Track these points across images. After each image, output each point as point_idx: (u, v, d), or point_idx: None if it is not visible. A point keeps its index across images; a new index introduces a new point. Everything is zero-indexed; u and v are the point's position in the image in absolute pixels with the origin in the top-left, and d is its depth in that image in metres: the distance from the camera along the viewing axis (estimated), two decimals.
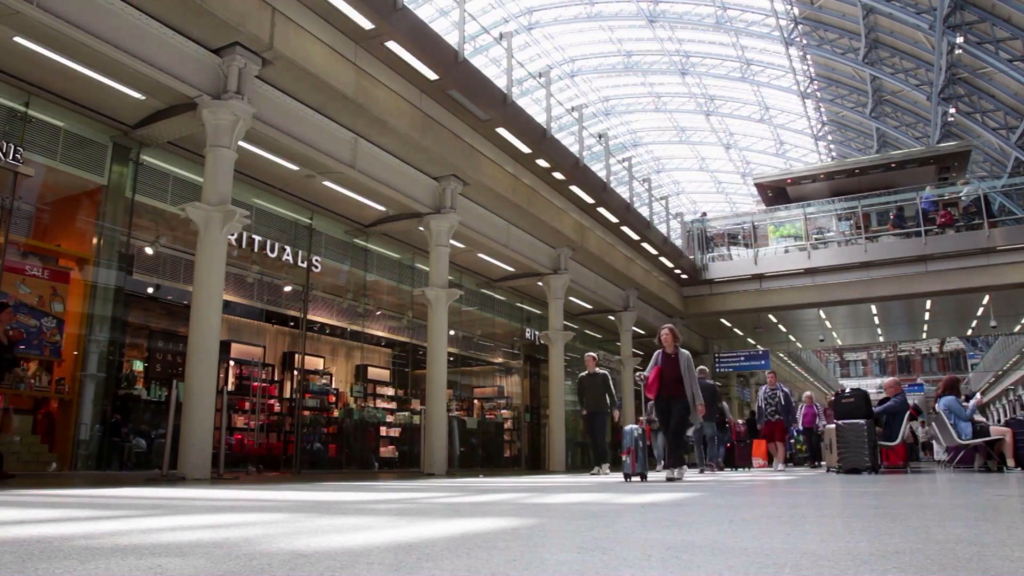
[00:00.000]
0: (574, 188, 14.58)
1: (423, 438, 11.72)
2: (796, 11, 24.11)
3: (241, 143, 8.35)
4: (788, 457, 14.72)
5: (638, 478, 7.51)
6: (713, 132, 35.83)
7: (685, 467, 8.33)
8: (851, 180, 22.44)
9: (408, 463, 13.55)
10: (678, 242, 21.63)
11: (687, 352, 8.06)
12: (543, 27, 28.28)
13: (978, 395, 13.42)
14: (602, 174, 16.33)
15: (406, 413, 14.45)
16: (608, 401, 10.60)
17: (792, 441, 13.22)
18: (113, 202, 9.32)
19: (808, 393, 16.51)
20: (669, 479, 7.29)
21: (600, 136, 18.96)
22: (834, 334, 30.07)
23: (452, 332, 14.01)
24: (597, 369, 10.80)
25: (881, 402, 10.31)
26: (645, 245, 18.35)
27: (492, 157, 12.34)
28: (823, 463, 15.13)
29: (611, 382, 10.74)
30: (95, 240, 9.25)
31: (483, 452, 16.25)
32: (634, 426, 7.71)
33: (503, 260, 14.83)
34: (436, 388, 11.24)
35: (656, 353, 8.17)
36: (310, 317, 12.41)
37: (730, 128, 35.73)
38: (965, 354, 54.42)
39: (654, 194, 20.98)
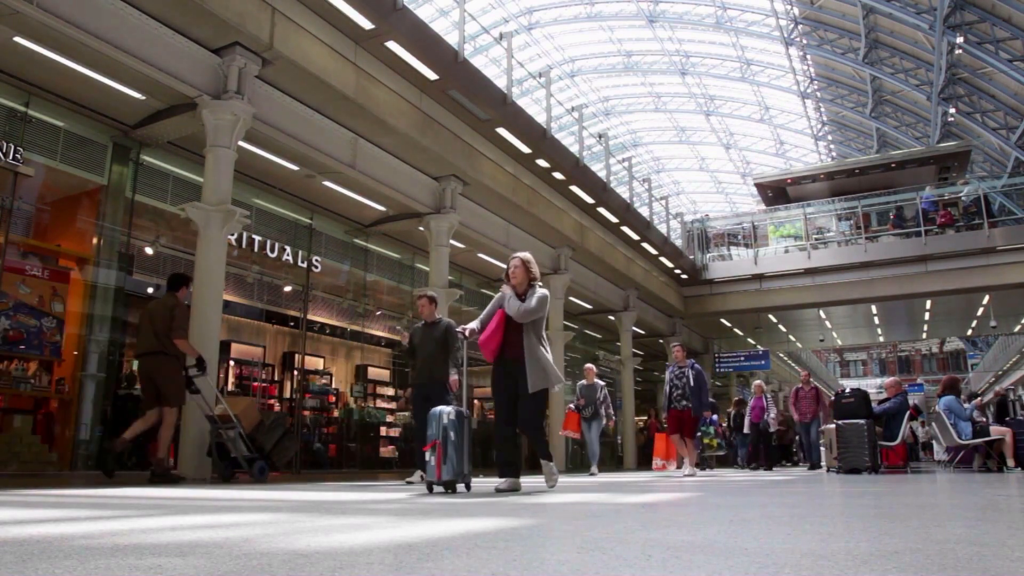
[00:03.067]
0: (574, 188, 14.59)
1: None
2: (796, 11, 24.09)
3: (241, 143, 8.36)
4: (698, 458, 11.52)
5: (450, 488, 4.87)
6: (713, 132, 35.81)
7: (556, 473, 5.69)
8: (851, 180, 22.45)
9: (408, 463, 13.53)
10: (678, 242, 21.63)
11: (544, 291, 5.25)
12: (543, 27, 28.25)
13: (980, 397, 13.47)
14: (602, 174, 16.34)
15: (406, 413, 14.44)
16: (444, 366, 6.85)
17: (701, 435, 10.46)
18: (113, 202, 9.32)
19: (759, 382, 15.31)
20: (499, 490, 4.86)
21: (600, 136, 18.97)
22: (834, 334, 30.07)
23: None
24: (440, 316, 7.20)
25: (881, 403, 10.31)
26: (645, 245, 18.36)
27: (492, 157, 12.34)
28: (761, 465, 13.73)
29: (456, 333, 6.28)
30: (95, 240, 9.25)
31: (483, 452, 16.24)
32: (445, 408, 4.92)
33: (503, 260, 14.78)
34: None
35: (501, 293, 5.37)
36: (310, 317, 12.41)
37: (730, 128, 35.71)
38: (965, 354, 54.40)
39: (654, 194, 20.98)
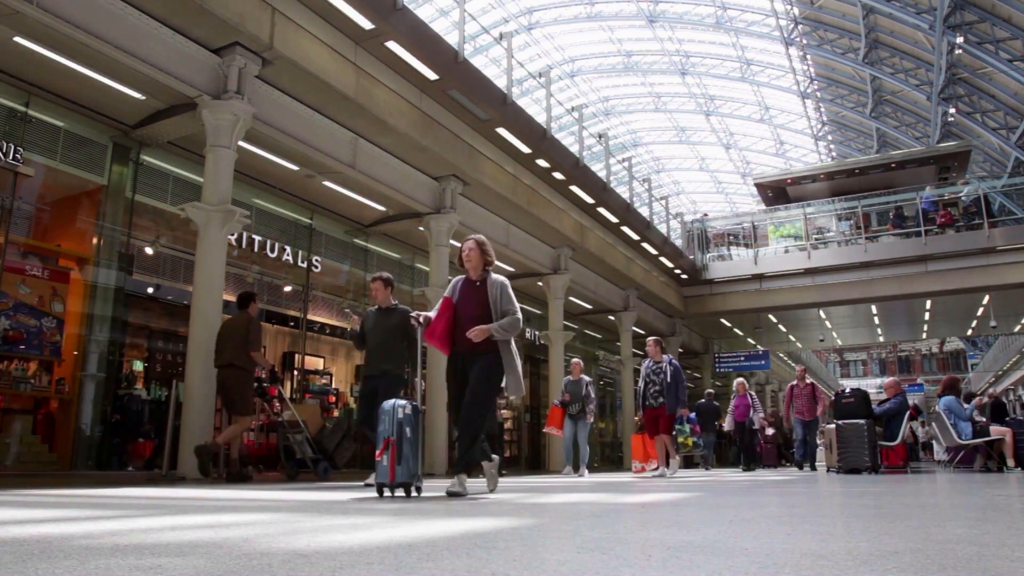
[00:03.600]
0: (574, 188, 14.59)
1: (423, 438, 11.70)
2: (796, 11, 24.10)
3: (241, 143, 8.35)
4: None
5: (400, 491, 4.34)
6: (713, 132, 35.81)
7: (496, 473, 5.10)
8: (851, 180, 22.45)
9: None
10: (678, 242, 21.63)
11: (503, 279, 4.74)
12: (543, 27, 28.26)
13: (980, 397, 13.38)
14: (602, 174, 16.33)
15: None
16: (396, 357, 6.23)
17: (675, 434, 9.69)
18: (113, 202, 9.32)
19: (740, 380, 14.27)
20: (450, 494, 4.36)
21: (600, 136, 18.98)
22: (834, 334, 30.07)
23: None
24: (396, 302, 6.44)
25: (881, 403, 10.31)
26: (645, 245, 18.36)
27: (492, 157, 12.34)
28: (748, 465, 13.22)
29: (412, 322, 5.08)
30: (95, 240, 9.25)
31: None
32: (399, 402, 4.35)
33: (503, 260, 14.82)
34: (436, 389, 11.24)
35: (453, 281, 4.94)
36: (310, 317, 12.41)
37: (730, 128, 35.71)
38: (965, 354, 54.40)
39: (654, 194, 20.98)
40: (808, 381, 12.14)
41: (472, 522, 2.86)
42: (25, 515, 3.01)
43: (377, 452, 4.31)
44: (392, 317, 6.25)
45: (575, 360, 10.91)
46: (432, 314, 4.74)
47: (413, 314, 5.02)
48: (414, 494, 4.38)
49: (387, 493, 4.34)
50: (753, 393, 13.72)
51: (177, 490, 5.25)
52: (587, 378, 10.59)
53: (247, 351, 7.07)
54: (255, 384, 7.45)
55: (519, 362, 4.69)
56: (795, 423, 12.28)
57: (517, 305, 4.67)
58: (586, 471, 10.07)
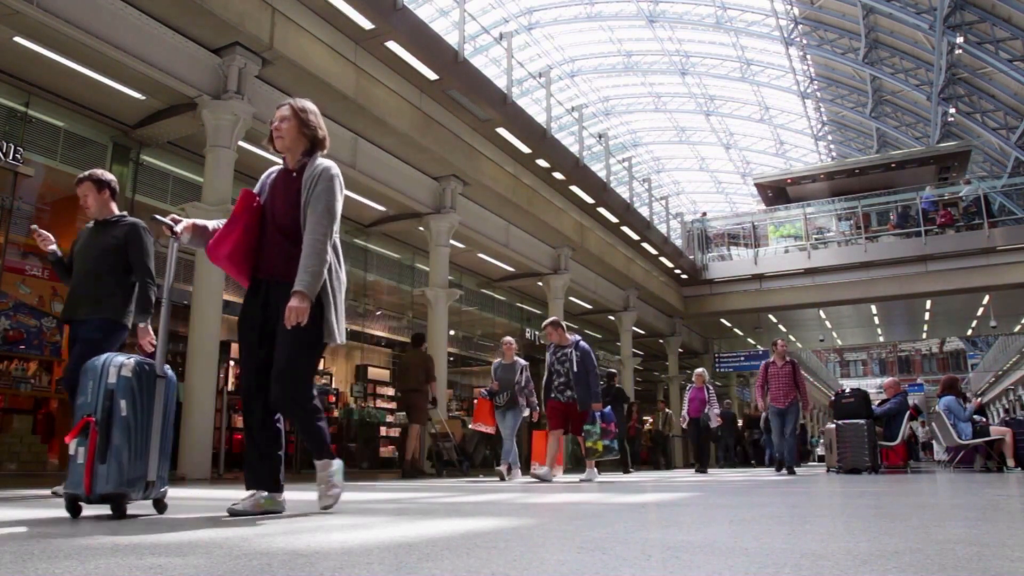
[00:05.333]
0: (574, 188, 14.59)
1: (423, 438, 11.72)
2: (796, 11, 24.10)
3: (241, 143, 8.36)
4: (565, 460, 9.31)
5: (115, 507, 2.67)
6: (713, 132, 35.82)
7: (336, 481, 3.28)
8: (851, 180, 22.46)
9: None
10: (678, 242, 21.63)
11: (333, 167, 3.14)
12: (543, 27, 28.26)
13: (979, 397, 13.35)
14: (602, 174, 16.34)
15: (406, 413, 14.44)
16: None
17: (584, 435, 7.51)
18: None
19: (700, 370, 12.44)
20: (235, 513, 2.98)
21: (600, 136, 18.98)
22: (834, 334, 30.06)
23: (452, 332, 14.01)
24: (121, 213, 4.39)
25: (881, 403, 10.32)
26: (645, 245, 18.36)
27: (492, 157, 12.34)
28: (701, 467, 11.65)
29: (144, 236, 4.24)
30: None
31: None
32: (114, 358, 2.77)
33: (503, 260, 14.83)
34: (436, 389, 11.24)
35: (268, 172, 3.46)
36: None
37: (730, 128, 35.72)
38: (965, 354, 54.42)
39: (654, 194, 20.99)
40: (788, 359, 9.87)
41: (472, 522, 2.86)
42: (25, 515, 3.01)
43: (67, 436, 2.63)
44: (109, 234, 4.11)
45: (506, 339, 8.92)
46: (216, 223, 3.07)
47: (161, 219, 3.00)
48: (147, 511, 2.79)
49: (85, 511, 2.71)
50: (711, 387, 12.14)
51: (177, 490, 5.25)
52: (522, 361, 8.63)
53: (426, 380, 9.44)
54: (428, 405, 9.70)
55: (342, 285, 3.03)
56: (770, 413, 10.02)
57: (336, 195, 2.96)
58: (519, 472, 8.18)
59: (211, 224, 3.09)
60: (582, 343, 7.54)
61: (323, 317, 2.95)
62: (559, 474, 8.09)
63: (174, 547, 1.91)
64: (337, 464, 3.25)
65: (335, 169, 3.09)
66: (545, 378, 7.68)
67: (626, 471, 11.56)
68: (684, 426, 12.24)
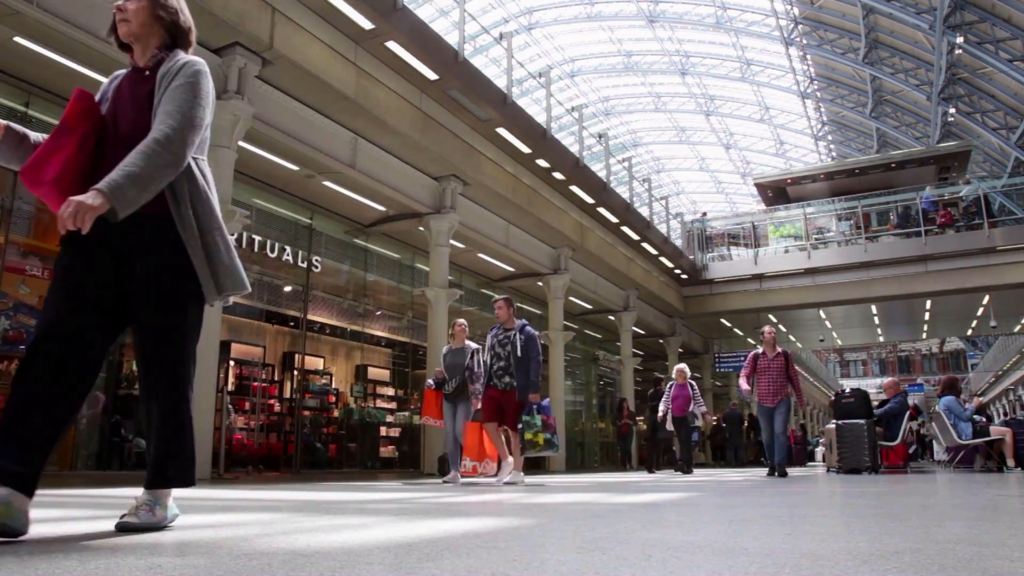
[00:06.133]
0: (574, 188, 14.59)
1: (423, 438, 11.77)
2: (796, 11, 24.11)
3: (241, 143, 8.36)
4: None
5: None
6: (713, 132, 35.83)
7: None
8: (851, 180, 22.46)
9: (408, 463, 13.55)
10: (678, 242, 21.64)
11: (193, 61, 2.23)
12: (543, 27, 28.27)
13: (980, 397, 13.34)
14: (602, 174, 16.34)
15: (406, 413, 14.45)
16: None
17: (522, 428, 6.68)
18: None
19: (681, 366, 11.72)
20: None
21: (600, 136, 18.99)
22: (834, 334, 30.06)
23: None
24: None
25: (880, 404, 10.33)
26: (645, 245, 18.37)
27: (492, 157, 12.35)
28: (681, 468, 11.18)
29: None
30: None
31: None
32: None
33: (503, 260, 14.83)
34: None
35: (113, 75, 2.44)
36: (310, 317, 12.42)
37: (730, 128, 35.73)
38: (965, 354, 54.45)
39: (654, 194, 20.99)
40: (779, 350, 8.86)
41: (472, 522, 2.86)
42: None
43: None
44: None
45: (459, 322, 7.82)
46: (40, 136, 2.20)
47: None
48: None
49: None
50: (694, 383, 11.47)
51: (177, 490, 5.25)
52: (473, 345, 7.51)
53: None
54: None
55: (213, 214, 2.20)
56: (758, 413, 9.23)
57: (201, 95, 2.16)
58: (458, 474, 7.28)
59: (33, 135, 2.21)
60: (528, 327, 6.85)
61: (191, 263, 2.12)
62: (489, 471, 7.14)
63: (174, 547, 1.91)
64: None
65: (203, 65, 2.25)
66: (485, 362, 6.93)
67: (688, 470, 11.18)
68: (668, 427, 11.52)
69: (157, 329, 2.19)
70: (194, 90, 2.15)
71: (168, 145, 2.04)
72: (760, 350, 8.97)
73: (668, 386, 11.56)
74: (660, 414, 11.47)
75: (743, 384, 9.04)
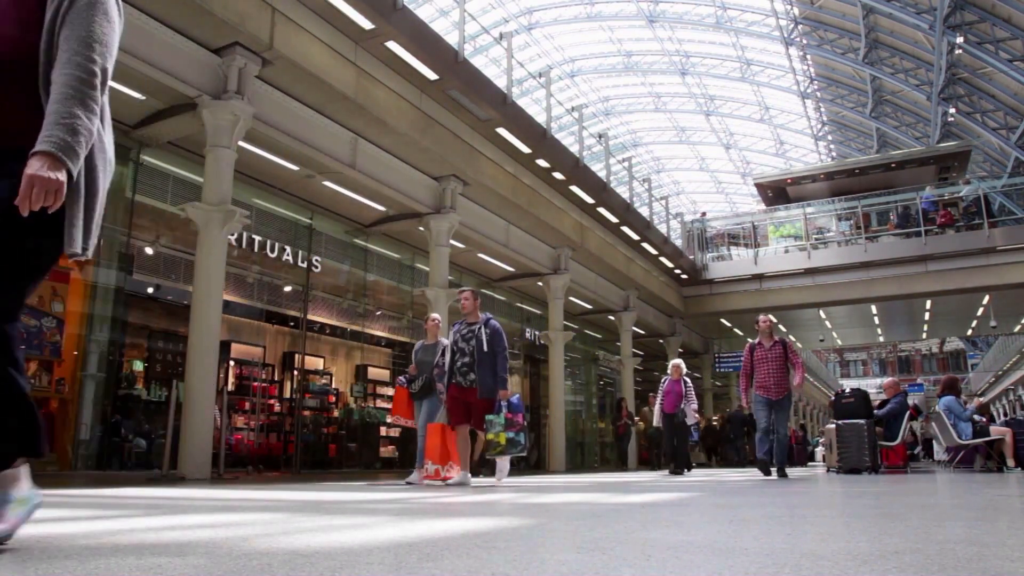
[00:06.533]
0: (574, 188, 14.59)
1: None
2: (796, 11, 24.11)
3: (241, 143, 8.36)
4: (482, 460, 7.97)
5: None
6: (713, 132, 35.83)
7: (28, 501, 1.80)
8: (851, 180, 22.45)
9: (408, 463, 13.54)
10: (678, 242, 21.64)
11: None
12: (543, 27, 28.28)
13: (980, 397, 13.35)
14: (602, 174, 16.34)
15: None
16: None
17: (486, 426, 6.24)
18: (113, 202, 9.30)
19: (676, 361, 11.28)
20: None
21: (600, 136, 18.98)
22: (834, 334, 30.06)
23: None
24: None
25: (880, 404, 10.33)
26: (645, 245, 18.37)
27: (492, 157, 12.34)
28: (673, 467, 10.79)
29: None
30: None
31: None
32: None
33: (503, 260, 14.83)
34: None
35: None
36: (310, 317, 12.41)
37: (730, 128, 35.74)
38: (965, 354, 54.46)
39: (654, 194, 20.99)
40: (776, 339, 8.23)
41: (472, 522, 2.86)
42: None
43: None
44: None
45: (432, 316, 7.70)
46: None
47: None
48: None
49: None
50: (689, 380, 10.99)
51: (177, 490, 5.25)
52: (446, 341, 6.98)
53: None
54: None
55: (107, 171, 1.86)
56: (755, 405, 8.22)
57: (107, 12, 1.80)
58: (418, 476, 6.96)
59: None
60: (493, 320, 6.53)
61: (63, 212, 1.71)
62: (455, 475, 6.58)
63: (174, 547, 1.91)
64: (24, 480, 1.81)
65: None
66: (448, 358, 6.52)
67: (678, 470, 10.76)
68: (657, 423, 11.08)
69: None
70: (106, 12, 1.79)
71: (99, 89, 1.73)
72: (756, 340, 8.28)
73: (662, 381, 11.18)
74: (655, 410, 11.18)
75: (743, 389, 8.50)
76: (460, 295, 6.77)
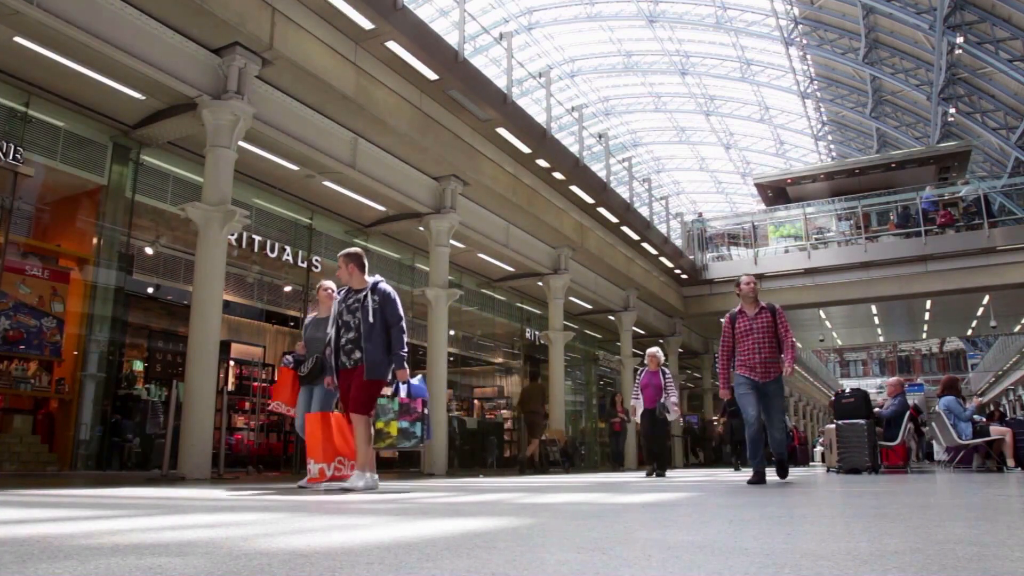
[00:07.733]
0: (574, 188, 14.59)
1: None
2: (796, 11, 24.11)
3: (241, 143, 8.36)
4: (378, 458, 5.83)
5: None
6: (713, 132, 35.84)
7: None
8: (851, 180, 22.45)
9: (408, 463, 13.54)
10: (678, 242, 21.64)
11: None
12: (543, 27, 28.28)
13: (980, 397, 13.36)
14: (602, 174, 16.34)
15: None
16: None
17: (376, 413, 5.15)
18: (113, 202, 9.32)
19: (654, 350, 10.04)
20: None
21: (600, 136, 18.97)
22: (834, 334, 30.06)
23: (452, 332, 14.01)
24: None
25: (882, 404, 10.34)
26: (645, 245, 18.36)
27: (492, 157, 12.34)
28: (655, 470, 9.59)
29: None
30: (95, 240, 9.25)
31: (483, 452, 16.25)
32: None
33: (503, 260, 14.83)
34: (436, 388, 11.24)
35: None
36: None
37: (730, 128, 35.74)
38: (965, 354, 54.47)
39: (654, 194, 20.99)
40: (763, 304, 6.42)
41: (472, 522, 2.86)
42: (25, 515, 3.01)
43: None
44: None
45: (323, 284, 6.30)
46: None
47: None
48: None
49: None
50: (667, 369, 10.02)
51: (177, 490, 5.25)
52: None
53: (543, 405, 13.41)
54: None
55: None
56: (738, 390, 6.33)
57: None
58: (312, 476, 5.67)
59: None
60: (383, 284, 5.31)
61: None
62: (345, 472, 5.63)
63: (174, 547, 1.91)
64: None
65: None
66: (332, 334, 5.30)
67: (660, 472, 9.67)
68: (635, 417, 10.13)
69: None
70: None
71: None
72: (737, 308, 6.50)
73: (638, 374, 10.24)
74: (632, 406, 10.24)
75: (721, 373, 6.59)
76: (340, 264, 5.35)
